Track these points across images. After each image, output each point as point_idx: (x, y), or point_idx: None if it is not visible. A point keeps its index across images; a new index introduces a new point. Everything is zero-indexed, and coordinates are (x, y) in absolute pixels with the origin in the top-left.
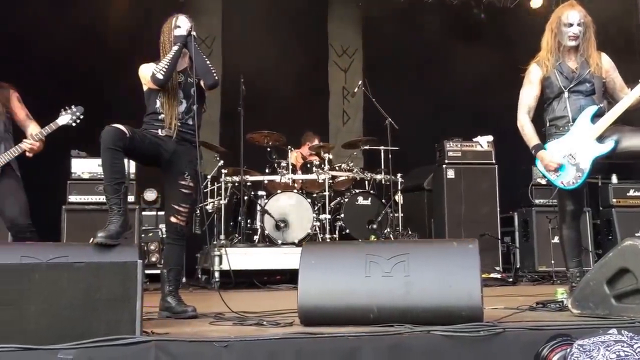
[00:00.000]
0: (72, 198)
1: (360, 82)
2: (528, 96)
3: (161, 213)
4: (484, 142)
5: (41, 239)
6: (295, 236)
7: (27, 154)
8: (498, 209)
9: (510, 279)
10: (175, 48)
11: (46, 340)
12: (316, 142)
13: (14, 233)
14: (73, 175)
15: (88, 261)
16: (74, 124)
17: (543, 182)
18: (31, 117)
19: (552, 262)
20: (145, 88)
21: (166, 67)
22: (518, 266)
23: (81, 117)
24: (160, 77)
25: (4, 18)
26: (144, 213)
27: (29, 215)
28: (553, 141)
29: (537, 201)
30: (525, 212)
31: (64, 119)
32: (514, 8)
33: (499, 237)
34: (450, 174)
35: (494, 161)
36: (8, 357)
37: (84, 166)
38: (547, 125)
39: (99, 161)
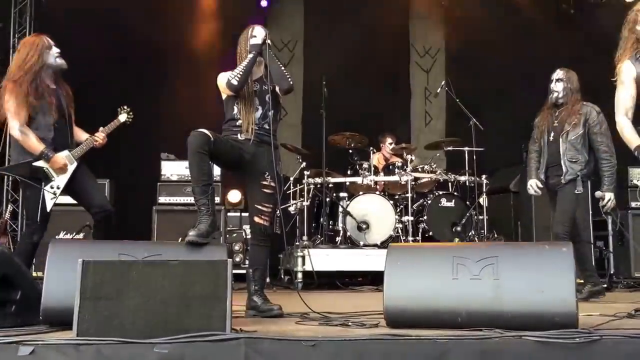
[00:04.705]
0: (162, 199)
1: (442, 83)
2: (624, 97)
3: (245, 214)
4: None
5: (134, 237)
6: (378, 238)
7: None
8: (590, 212)
9: (604, 285)
10: (250, 56)
11: (142, 335)
12: (389, 140)
13: (99, 219)
14: (162, 177)
15: (181, 259)
16: (129, 122)
17: None
18: None
19: None
20: (223, 96)
21: (241, 73)
22: (612, 272)
23: (131, 114)
24: (235, 82)
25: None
26: (228, 214)
27: None
28: None
29: (633, 204)
30: (620, 216)
31: (123, 117)
32: (605, 2)
33: (592, 242)
34: None
35: None
36: (108, 350)
37: (173, 169)
38: None
39: (186, 164)
